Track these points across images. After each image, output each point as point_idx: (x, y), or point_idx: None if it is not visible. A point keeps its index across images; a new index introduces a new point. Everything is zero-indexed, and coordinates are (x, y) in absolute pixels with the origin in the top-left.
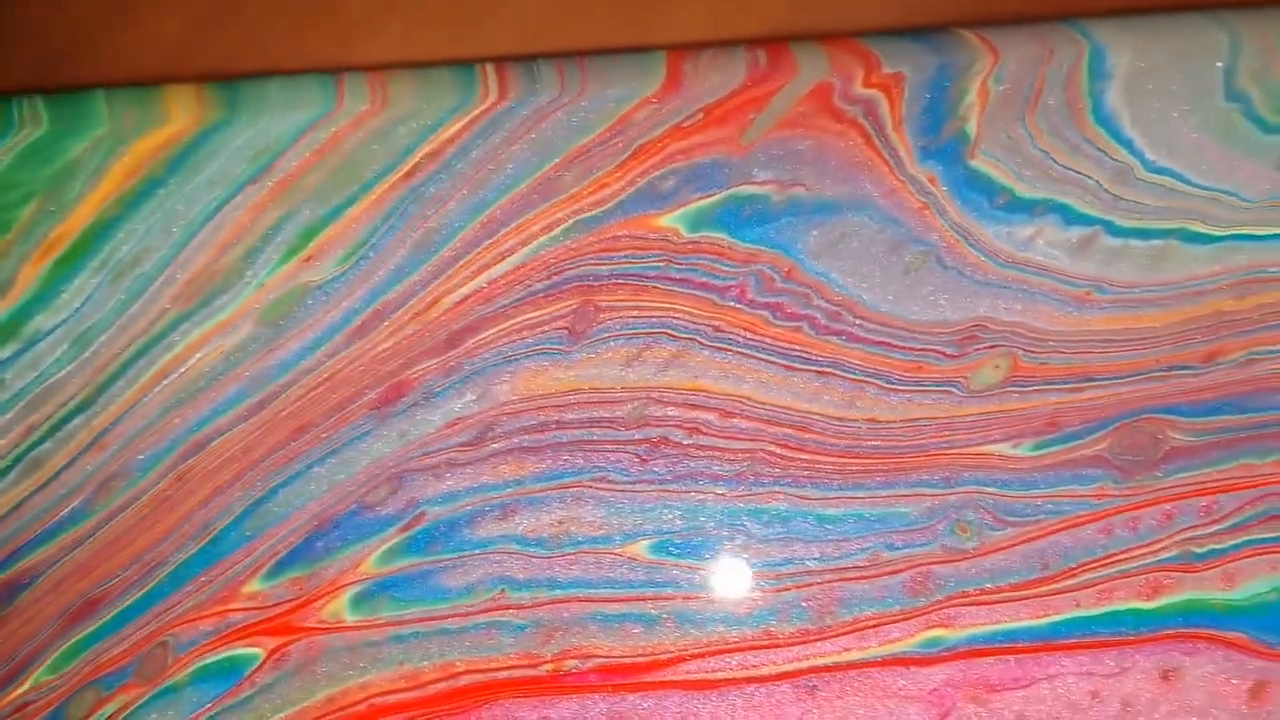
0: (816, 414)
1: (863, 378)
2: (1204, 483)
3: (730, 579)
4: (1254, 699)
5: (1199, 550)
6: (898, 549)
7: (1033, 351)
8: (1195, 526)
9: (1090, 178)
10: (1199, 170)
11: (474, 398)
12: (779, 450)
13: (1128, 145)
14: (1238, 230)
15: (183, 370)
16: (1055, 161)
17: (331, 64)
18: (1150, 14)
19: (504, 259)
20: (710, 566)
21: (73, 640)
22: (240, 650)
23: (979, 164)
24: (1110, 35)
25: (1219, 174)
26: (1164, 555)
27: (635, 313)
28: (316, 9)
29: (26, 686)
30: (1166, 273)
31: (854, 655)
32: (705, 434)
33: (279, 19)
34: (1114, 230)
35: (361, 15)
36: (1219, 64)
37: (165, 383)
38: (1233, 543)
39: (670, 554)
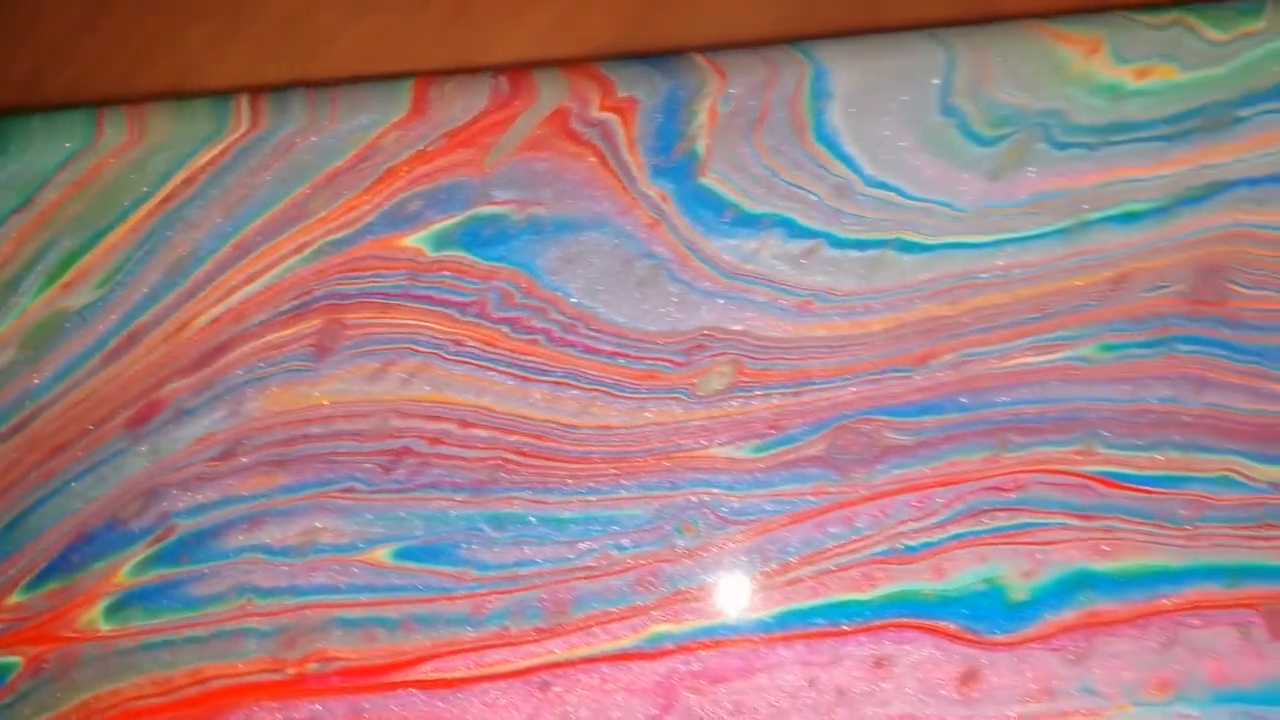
0: (552, 422)
1: (596, 387)
2: (916, 479)
3: (468, 582)
4: (964, 685)
5: (911, 544)
6: (627, 549)
7: (756, 358)
8: (907, 521)
9: (812, 193)
10: (915, 183)
11: (224, 414)
12: (516, 457)
13: (847, 161)
14: (951, 239)
15: None
16: (780, 178)
17: (94, 97)
18: (870, 34)
19: (254, 280)
20: (449, 571)
21: None
22: (1, 658)
23: (708, 181)
24: (832, 56)
25: (934, 186)
26: (878, 549)
27: (380, 329)
28: (77, 44)
29: None
30: (883, 281)
31: (583, 652)
32: (446, 444)
33: (44, 55)
34: (835, 242)
35: (125, 51)
36: (935, 81)
37: None
38: (943, 536)
39: (411, 559)
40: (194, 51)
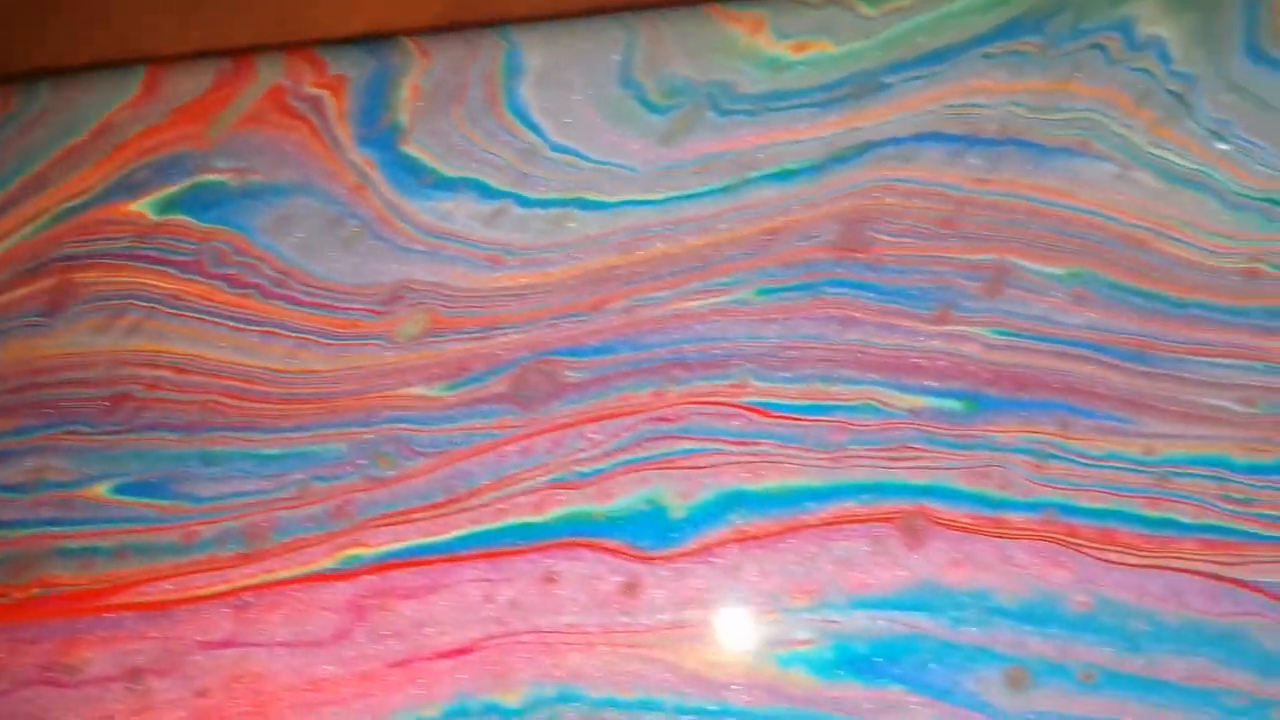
0: (261, 368)
1: (303, 334)
2: (590, 412)
3: (179, 512)
4: (626, 595)
5: (583, 470)
6: (325, 480)
7: (449, 307)
8: (581, 450)
9: (502, 158)
10: (595, 148)
11: None
12: (226, 400)
13: (536, 129)
14: (627, 197)
15: None
16: (475, 145)
17: None
18: (562, 18)
19: None
20: (163, 504)
21: None
22: None
23: (410, 149)
24: (526, 37)
25: (612, 150)
26: (553, 475)
27: (107, 287)
28: None
29: None
30: (565, 236)
31: (282, 574)
32: (162, 389)
33: None
34: (522, 201)
35: None
36: (615, 57)
37: None
38: (611, 463)
39: (129, 494)
40: None
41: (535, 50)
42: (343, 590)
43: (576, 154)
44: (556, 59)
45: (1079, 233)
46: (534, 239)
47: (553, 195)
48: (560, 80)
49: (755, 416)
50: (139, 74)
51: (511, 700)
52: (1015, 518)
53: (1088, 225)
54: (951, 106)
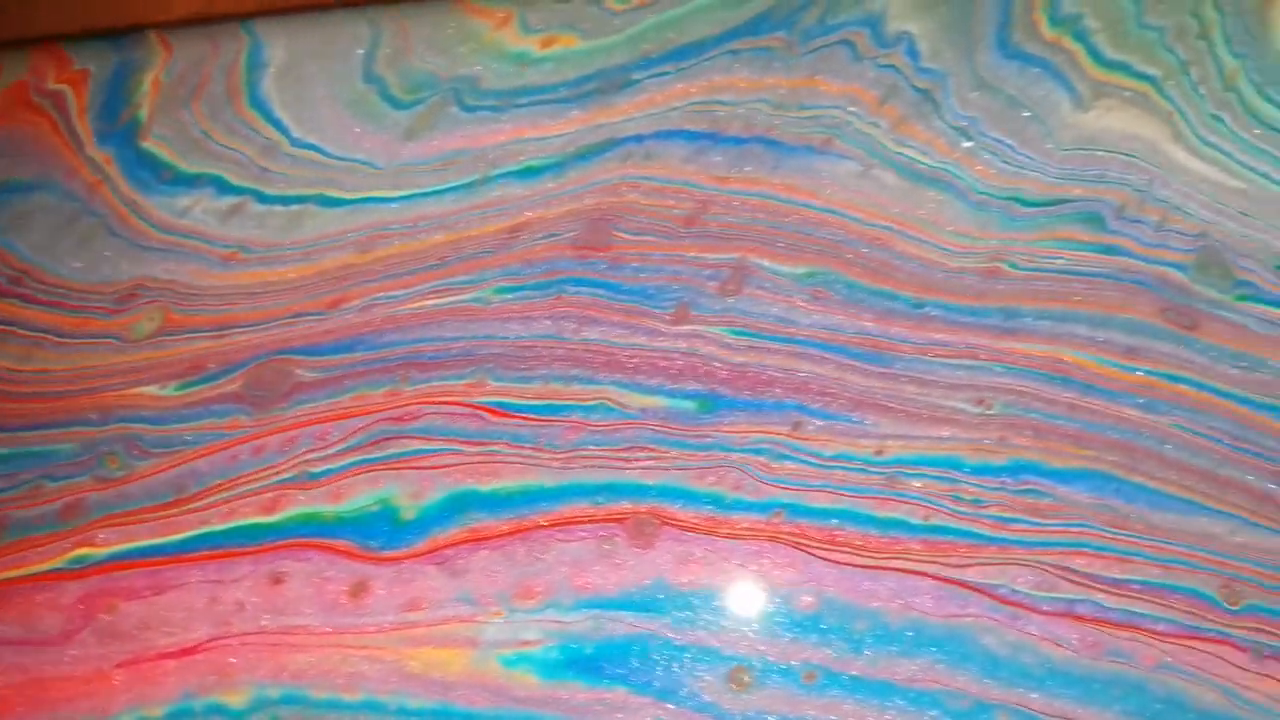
0: None
1: (39, 333)
2: (324, 412)
3: None
4: (354, 596)
5: (315, 470)
6: (56, 480)
7: (183, 305)
8: (313, 450)
9: (243, 154)
10: (338, 143)
11: None
12: None
13: (277, 124)
14: (368, 194)
15: None
16: (214, 141)
17: None
18: (307, 11)
19: None
20: None
21: None
22: None
23: (149, 145)
24: (269, 31)
25: (354, 146)
26: (284, 475)
27: None
28: None
29: None
30: (303, 233)
31: (11, 574)
32: None
33: None
34: (261, 198)
35: None
36: (359, 51)
37: None
38: (344, 463)
39: None
40: None
41: (278, 44)
42: (71, 590)
43: (317, 150)
44: (300, 53)
45: (819, 232)
46: (272, 236)
47: (292, 191)
48: (303, 75)
49: (490, 416)
50: None
51: (236, 701)
52: (745, 518)
53: (828, 224)
54: (697, 103)
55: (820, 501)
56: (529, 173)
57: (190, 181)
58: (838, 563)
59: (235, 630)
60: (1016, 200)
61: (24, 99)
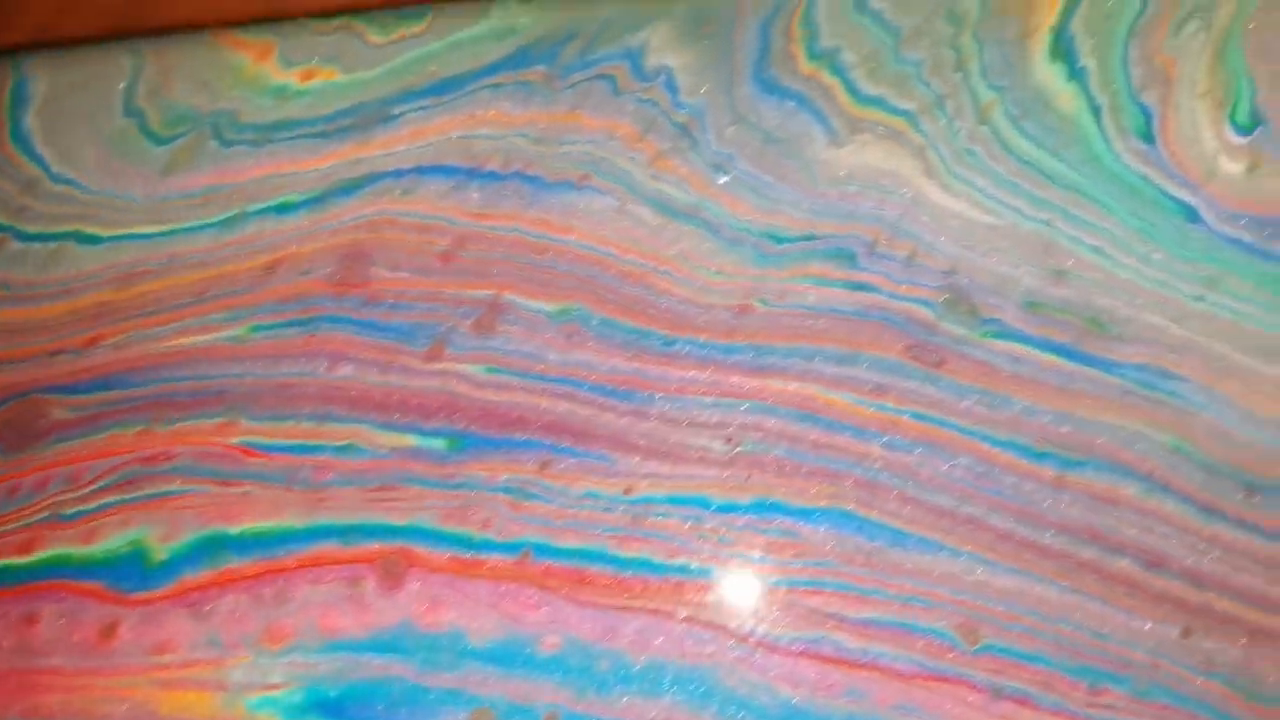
0: None
1: None
2: (78, 452)
3: None
4: (105, 638)
5: (67, 511)
6: None
7: None
8: (66, 490)
9: (4, 191)
10: (97, 179)
11: None
12: None
13: (38, 160)
14: (126, 230)
15: None
16: None
17: None
18: (73, 45)
19: None
20: None
21: None
22: None
23: None
24: (34, 65)
25: (113, 181)
26: (38, 516)
27: None
28: None
29: None
30: (61, 270)
31: None
32: None
33: None
34: (20, 235)
35: None
36: (120, 85)
37: None
38: (96, 504)
39: None
40: None
41: (42, 78)
42: None
43: (76, 185)
44: (63, 87)
45: (575, 268)
46: (30, 274)
47: (51, 229)
48: (65, 109)
49: (242, 456)
50: None
51: None
52: (493, 558)
53: (584, 261)
54: (457, 138)
55: (568, 541)
56: (286, 208)
57: None
58: (583, 603)
59: None
60: (770, 236)
61: None
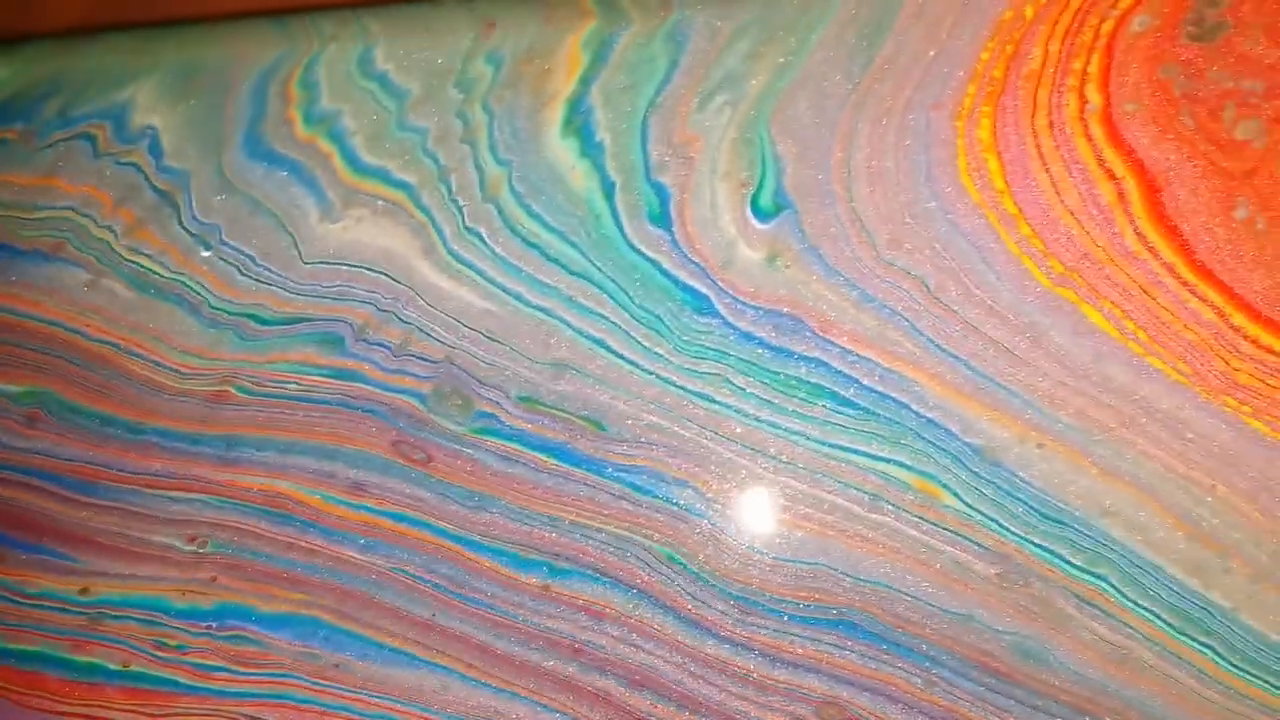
0: None
1: None
2: None
3: None
4: None
5: None
6: None
7: None
8: None
9: None
10: None
11: None
12: None
13: None
14: None
15: None
16: None
17: None
18: None
19: None
20: None
21: None
22: None
23: None
24: None
25: None
26: None
27: None
28: None
29: None
30: None
31: None
32: None
33: None
34: None
35: None
36: None
37: None
38: None
39: None
40: None
41: None
42: None
43: None
44: None
45: (43, 347)
46: None
47: None
48: None
49: None
50: None
51: None
52: None
53: (54, 339)
54: None
55: (22, 643)
56: None
57: None
58: (38, 709)
59: None
60: (253, 318)
61: None
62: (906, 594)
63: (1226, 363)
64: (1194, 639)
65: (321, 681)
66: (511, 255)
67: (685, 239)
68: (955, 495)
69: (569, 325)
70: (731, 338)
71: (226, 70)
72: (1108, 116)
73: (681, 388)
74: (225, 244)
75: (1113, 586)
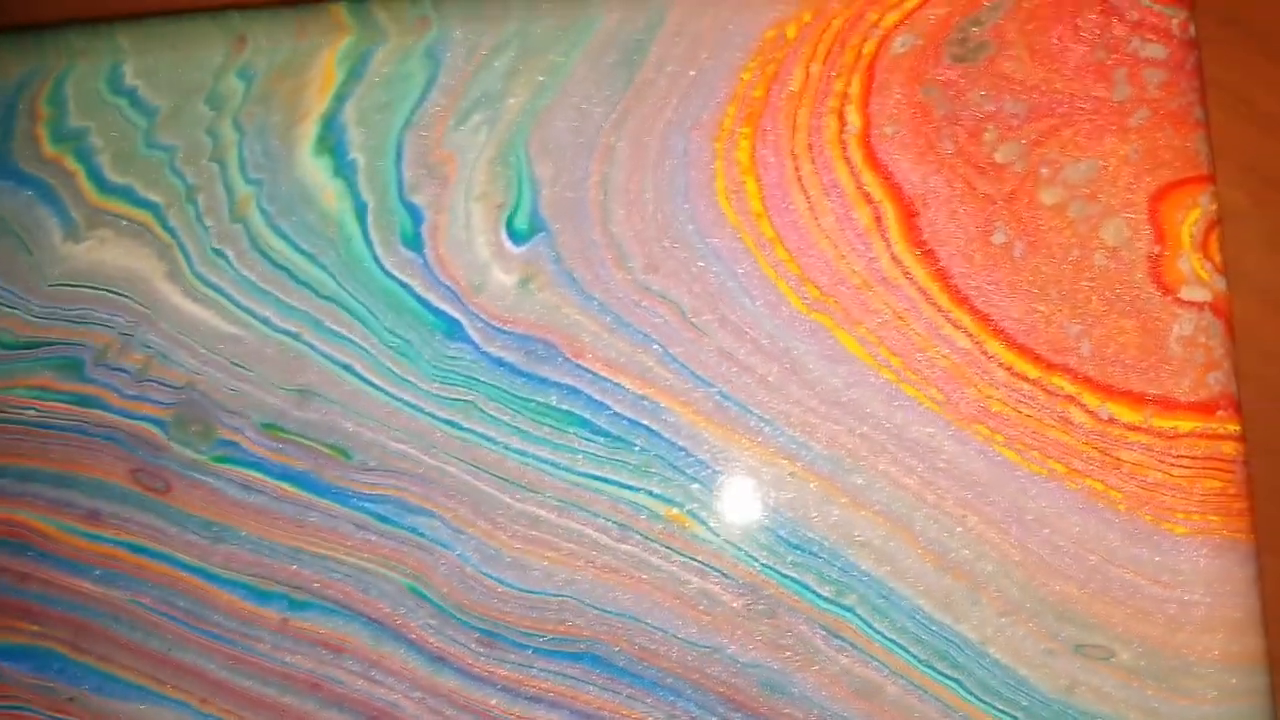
0: None
1: None
2: None
3: None
4: None
5: None
6: None
7: None
8: None
9: None
10: None
11: None
12: None
13: None
14: None
15: None
16: None
17: None
18: None
19: None
20: None
21: None
22: None
23: None
24: None
25: None
26: None
27: None
28: None
29: None
30: None
31: None
32: None
33: None
34: None
35: None
36: None
37: None
38: None
39: None
40: None
41: None
42: None
43: None
44: None
45: None
46: None
47: None
48: None
49: None
50: None
51: None
52: None
53: None
54: None
55: None
56: None
57: None
58: None
59: None
60: None
61: None
62: (653, 626)
63: (980, 390)
64: (941, 672)
65: (58, 715)
66: (259, 278)
67: (438, 261)
68: (704, 525)
69: (316, 350)
70: (482, 364)
71: None
72: (866, 139)
73: (430, 415)
74: None
75: (860, 618)
